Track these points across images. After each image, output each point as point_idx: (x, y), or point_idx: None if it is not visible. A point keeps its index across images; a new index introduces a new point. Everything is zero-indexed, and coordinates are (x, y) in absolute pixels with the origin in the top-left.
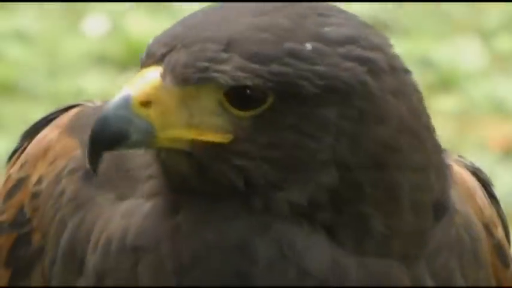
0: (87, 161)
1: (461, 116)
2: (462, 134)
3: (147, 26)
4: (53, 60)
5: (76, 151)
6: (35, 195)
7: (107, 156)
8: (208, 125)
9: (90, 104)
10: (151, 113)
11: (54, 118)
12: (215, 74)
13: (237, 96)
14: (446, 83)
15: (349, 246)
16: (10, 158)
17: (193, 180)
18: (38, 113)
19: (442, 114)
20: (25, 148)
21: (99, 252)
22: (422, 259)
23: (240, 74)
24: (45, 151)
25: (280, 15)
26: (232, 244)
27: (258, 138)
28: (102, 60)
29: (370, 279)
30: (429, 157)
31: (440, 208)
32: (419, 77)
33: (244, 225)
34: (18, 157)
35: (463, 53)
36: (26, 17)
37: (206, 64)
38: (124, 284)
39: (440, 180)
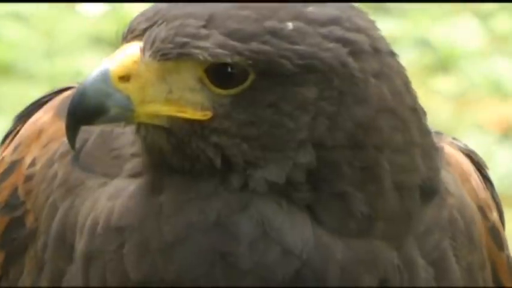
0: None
1: (459, 97)
2: (460, 115)
3: (145, 6)
4: (50, 41)
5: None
6: (28, 178)
7: (95, 136)
8: (187, 102)
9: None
10: (130, 87)
11: (48, 101)
12: (194, 50)
13: (218, 73)
14: (445, 63)
15: (332, 226)
16: (3, 140)
17: (172, 157)
18: (35, 94)
19: (441, 95)
20: (18, 131)
21: (86, 234)
22: (413, 239)
23: (219, 50)
24: (39, 134)
25: None
26: (213, 222)
27: (237, 116)
28: (99, 41)
29: (355, 259)
30: (413, 138)
31: (428, 190)
32: (418, 58)
33: (223, 203)
34: (12, 140)
35: (461, 34)
36: None
37: (185, 39)
38: (111, 266)
39: (427, 162)
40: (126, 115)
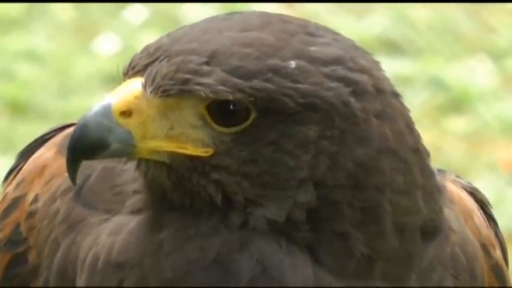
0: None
1: (472, 137)
2: (473, 155)
3: None
4: (64, 80)
5: None
6: (31, 214)
7: (97, 172)
8: (188, 138)
9: None
10: (132, 122)
11: (50, 138)
12: (196, 87)
13: (219, 111)
14: (458, 103)
15: (332, 266)
16: (7, 177)
17: (173, 193)
18: None
19: (453, 134)
20: (21, 167)
21: (86, 270)
22: (415, 276)
23: (221, 87)
24: (42, 170)
25: (266, 32)
26: (213, 260)
27: (238, 153)
28: (112, 80)
29: None
30: (414, 180)
31: (430, 230)
32: (431, 98)
33: (223, 241)
34: (15, 176)
35: (474, 74)
36: (38, 36)
37: (187, 76)
38: None
39: (429, 204)
40: (127, 150)
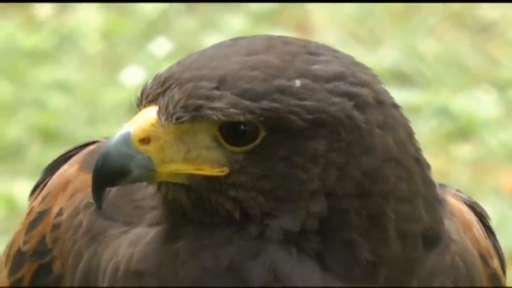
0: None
1: (477, 163)
2: (478, 180)
3: None
4: (92, 109)
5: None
6: (55, 227)
7: (117, 188)
8: (204, 159)
9: (105, 141)
10: (150, 149)
11: (73, 155)
12: (208, 111)
13: (231, 132)
14: (464, 131)
15: (339, 272)
16: (33, 191)
17: (191, 211)
18: None
19: (460, 161)
20: (46, 182)
21: (107, 278)
22: (417, 283)
23: (232, 110)
24: (65, 185)
25: (271, 54)
26: (227, 268)
27: (251, 170)
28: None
29: None
30: (417, 188)
31: (431, 238)
32: (438, 126)
33: (237, 250)
34: (41, 191)
35: (479, 104)
36: (68, 68)
37: (200, 102)
38: None
39: (430, 213)
40: (148, 175)
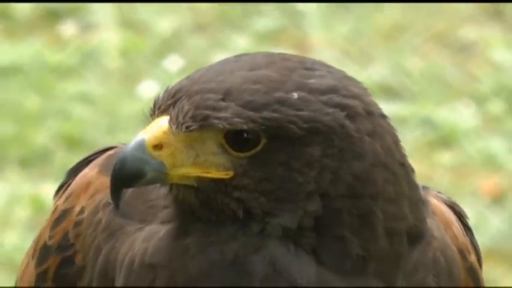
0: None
1: (457, 168)
2: (458, 184)
3: None
4: (112, 119)
5: None
6: (77, 223)
7: (133, 190)
8: (211, 164)
9: (122, 146)
10: (163, 154)
11: (94, 159)
12: (215, 121)
13: (235, 139)
14: (445, 140)
15: (332, 266)
16: (57, 192)
17: (199, 210)
18: None
19: (441, 166)
20: (70, 183)
21: (124, 270)
22: (402, 276)
23: (236, 119)
24: (87, 186)
25: (271, 69)
26: (232, 261)
27: (254, 174)
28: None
29: None
30: (402, 190)
31: (414, 235)
32: (423, 135)
33: (240, 245)
34: (64, 191)
35: (459, 115)
36: (90, 82)
37: (207, 112)
38: None
39: (414, 212)
40: (161, 178)
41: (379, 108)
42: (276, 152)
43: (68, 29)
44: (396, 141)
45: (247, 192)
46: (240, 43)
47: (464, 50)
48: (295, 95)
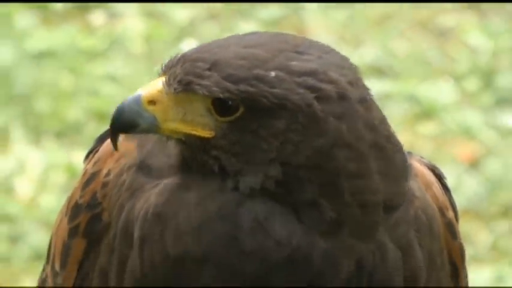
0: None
1: (438, 138)
2: (439, 151)
3: None
4: None
5: (134, 152)
6: (104, 185)
7: (155, 151)
8: (198, 123)
9: None
10: (156, 109)
11: None
12: (196, 87)
13: (221, 106)
14: (428, 113)
15: (310, 226)
16: (87, 157)
17: (190, 162)
18: None
19: (424, 136)
20: (98, 150)
21: (139, 221)
22: (383, 229)
23: (215, 88)
24: (112, 152)
25: (263, 49)
26: (224, 213)
27: (230, 137)
28: None
29: (334, 247)
30: (369, 167)
31: (392, 206)
32: (408, 109)
33: (228, 199)
34: (93, 156)
35: (440, 91)
36: (117, 64)
37: (191, 78)
38: (156, 247)
39: (390, 187)
40: (153, 129)
41: (362, 94)
42: (250, 120)
43: (97, 18)
44: (369, 125)
45: (222, 152)
46: (247, 29)
47: (443, 35)
48: (272, 73)
